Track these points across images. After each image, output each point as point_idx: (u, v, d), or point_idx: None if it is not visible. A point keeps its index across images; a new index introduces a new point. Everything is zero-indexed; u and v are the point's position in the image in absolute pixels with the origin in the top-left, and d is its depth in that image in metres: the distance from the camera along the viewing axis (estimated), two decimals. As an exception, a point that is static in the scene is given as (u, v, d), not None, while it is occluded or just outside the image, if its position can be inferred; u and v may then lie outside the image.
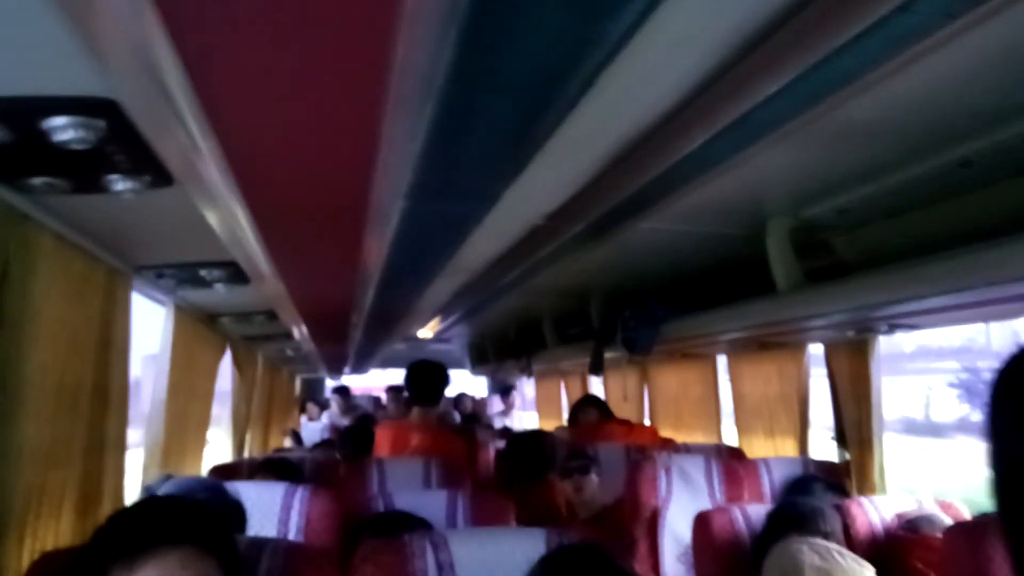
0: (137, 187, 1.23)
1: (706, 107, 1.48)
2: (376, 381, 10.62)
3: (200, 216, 1.45)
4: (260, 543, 1.63)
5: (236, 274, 2.05)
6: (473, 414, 8.15)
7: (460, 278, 2.83)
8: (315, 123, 0.92)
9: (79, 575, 1.25)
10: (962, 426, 16.34)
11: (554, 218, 2.07)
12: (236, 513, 2.15)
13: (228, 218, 1.41)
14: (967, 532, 1.78)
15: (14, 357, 1.37)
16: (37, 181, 1.21)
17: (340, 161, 1.04)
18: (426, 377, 3.77)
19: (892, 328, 2.79)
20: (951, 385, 19.58)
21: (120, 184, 1.21)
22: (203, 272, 2.08)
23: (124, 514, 1.33)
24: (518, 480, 4.45)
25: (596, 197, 2.01)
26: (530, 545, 1.65)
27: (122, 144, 1.04)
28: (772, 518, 2.45)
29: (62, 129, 0.98)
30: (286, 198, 1.27)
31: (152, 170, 1.16)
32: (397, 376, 9.39)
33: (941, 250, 2.03)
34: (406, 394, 4.24)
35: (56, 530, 1.56)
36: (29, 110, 0.95)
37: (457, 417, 7.21)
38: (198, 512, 1.35)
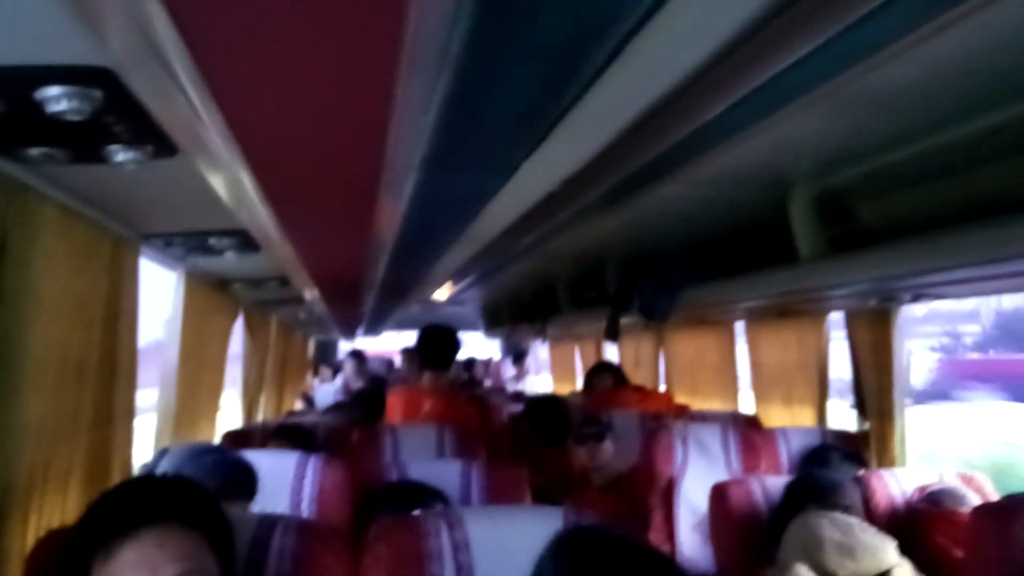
0: (140, 157, 1.19)
1: (731, 72, 1.42)
2: (389, 344, 10.66)
3: (205, 185, 1.41)
4: (271, 520, 1.61)
5: (246, 242, 2.01)
6: (473, 379, 8.14)
7: (475, 246, 2.78)
8: (322, 92, 0.87)
9: (66, 566, 1.23)
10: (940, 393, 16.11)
11: (571, 184, 2.02)
12: (244, 477, 2.11)
13: (235, 188, 1.37)
14: (995, 512, 1.74)
15: (15, 331, 1.34)
16: (35, 152, 1.16)
17: (349, 132, 0.99)
18: (438, 342, 3.74)
19: (916, 298, 2.74)
20: (932, 349, 19.47)
21: (121, 155, 1.17)
22: (212, 240, 2.04)
23: (101, 500, 1.30)
24: (532, 445, 4.45)
25: (616, 162, 1.95)
26: (547, 523, 1.61)
27: (120, 114, 0.99)
28: (790, 490, 2.41)
29: (56, 99, 0.93)
30: (294, 169, 1.22)
31: (154, 140, 1.12)
32: (410, 338, 9.41)
33: (970, 220, 1.97)
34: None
35: (63, 506, 1.54)
36: (22, 80, 0.90)
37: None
38: (175, 488, 1.32)
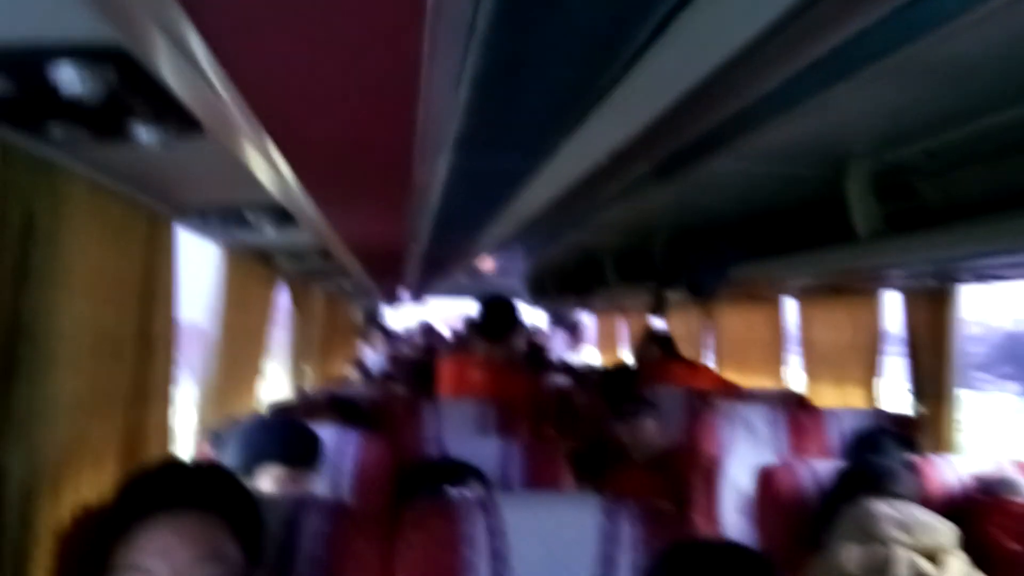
0: (164, 135, 1.16)
1: (786, 45, 1.35)
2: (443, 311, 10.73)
3: (237, 161, 1.38)
4: (305, 502, 1.59)
5: (283, 216, 1.98)
6: (537, 352, 8.10)
7: (515, 221, 2.74)
8: (347, 69, 0.82)
9: (90, 550, 1.25)
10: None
11: (618, 160, 1.96)
12: (311, 447, 2.08)
13: (264, 163, 1.33)
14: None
15: (44, 309, 1.33)
16: (56, 129, 1.14)
17: (377, 107, 0.95)
18: (496, 313, 3.65)
19: (977, 279, 2.65)
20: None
21: (145, 133, 1.14)
22: (248, 215, 2.02)
23: (123, 484, 1.31)
24: (582, 421, 4.41)
25: (665, 137, 1.90)
26: (585, 513, 1.59)
27: (137, 92, 0.96)
28: (845, 478, 2.34)
29: (69, 78, 0.90)
30: (319, 145, 1.18)
31: (176, 117, 1.08)
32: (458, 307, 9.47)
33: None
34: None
35: (98, 483, 1.54)
36: (34, 57, 0.87)
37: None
38: (196, 473, 1.34)
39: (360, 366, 7.00)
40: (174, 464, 1.41)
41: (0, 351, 1.24)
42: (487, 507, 1.59)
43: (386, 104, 0.92)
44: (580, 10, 0.77)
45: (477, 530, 1.55)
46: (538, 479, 2.37)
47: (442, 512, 1.59)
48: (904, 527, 2.02)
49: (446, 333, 9.27)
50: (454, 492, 2.14)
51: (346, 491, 2.30)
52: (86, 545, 1.26)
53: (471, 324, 8.49)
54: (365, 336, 8.80)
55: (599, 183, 2.30)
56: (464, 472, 2.27)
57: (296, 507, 1.58)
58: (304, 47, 0.77)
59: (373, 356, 7.41)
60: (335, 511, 1.58)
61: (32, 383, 1.32)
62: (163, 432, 1.87)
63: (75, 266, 1.41)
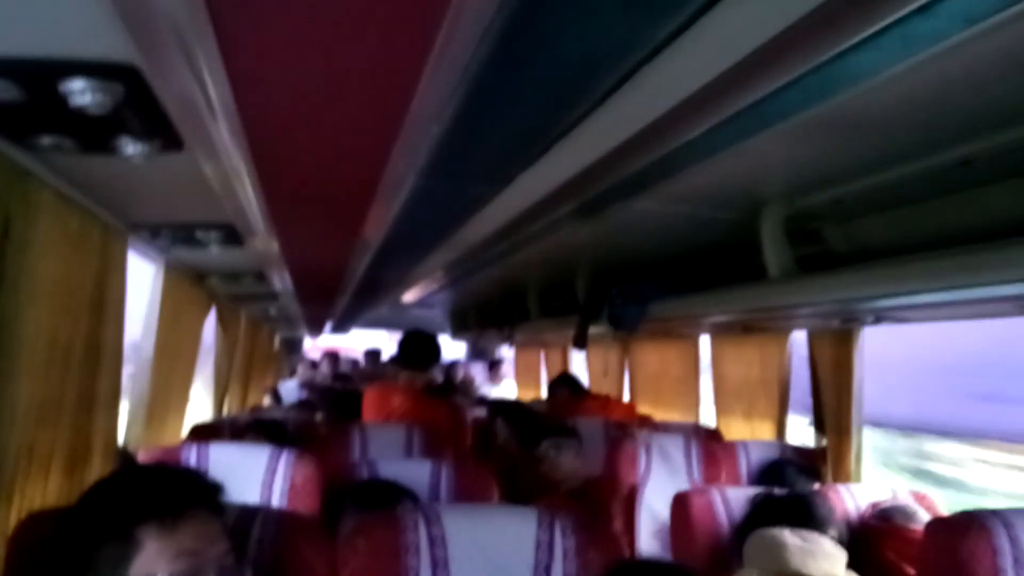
0: (147, 151, 1.21)
1: (712, 100, 1.47)
2: (349, 342, 10.75)
3: (203, 179, 1.43)
4: (251, 512, 1.63)
5: (231, 235, 2.02)
6: (450, 380, 8.20)
7: (455, 252, 2.82)
8: (342, 99, 0.91)
9: (95, 531, 1.26)
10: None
11: (553, 196, 2.06)
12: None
13: (234, 183, 1.40)
14: (949, 527, 1.81)
15: (13, 316, 1.36)
16: (46, 140, 1.18)
17: (359, 139, 1.04)
18: (419, 345, 3.83)
19: (878, 320, 2.82)
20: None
21: (131, 148, 1.20)
22: (199, 233, 2.05)
23: (155, 477, 1.38)
24: (497, 450, 4.52)
25: (595, 178, 2.01)
26: (522, 523, 1.67)
27: (138, 109, 1.03)
28: (756, 506, 2.45)
29: (80, 92, 0.96)
30: (296, 169, 1.26)
31: (164, 134, 1.15)
32: (373, 338, 9.53)
33: (934, 248, 2.04)
34: (385, 358, 4.31)
35: (44, 489, 1.55)
36: (48, 71, 0.93)
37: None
38: (202, 478, 1.41)
39: (274, 394, 6.93)
40: (171, 468, 1.49)
41: (-30, 352, 1.26)
42: (428, 517, 1.66)
43: (369, 135, 1.00)
44: (560, 54, 0.87)
45: (419, 538, 1.62)
46: (468, 500, 2.40)
47: (386, 522, 1.65)
48: (810, 554, 2.15)
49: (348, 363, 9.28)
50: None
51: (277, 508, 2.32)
52: (49, 546, 1.27)
53: (376, 355, 8.60)
54: (286, 363, 8.75)
55: (533, 217, 2.41)
56: (397, 493, 2.32)
57: (242, 515, 1.62)
58: (309, 72, 0.86)
59: (289, 384, 7.34)
60: (281, 519, 1.63)
61: (-2, 386, 1.34)
62: (108, 441, 1.88)
63: (40, 274, 1.44)
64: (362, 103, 0.91)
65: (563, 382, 5.01)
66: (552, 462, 3.45)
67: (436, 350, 3.86)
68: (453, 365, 8.88)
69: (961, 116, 1.67)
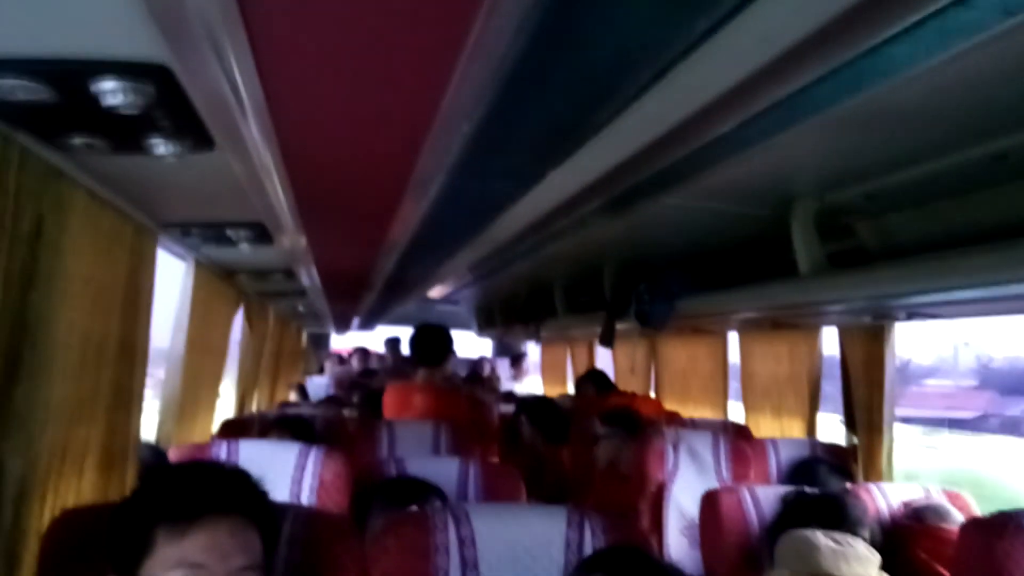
0: (179, 150, 1.22)
1: (744, 95, 1.46)
2: (373, 339, 10.80)
3: (234, 178, 1.44)
4: (281, 509, 1.64)
5: (262, 234, 2.03)
6: (477, 374, 8.23)
7: (483, 249, 2.82)
8: (373, 96, 0.90)
9: (117, 534, 1.24)
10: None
11: (582, 193, 2.05)
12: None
13: (264, 182, 1.40)
14: (985, 528, 1.78)
15: (46, 315, 1.37)
16: (78, 141, 1.19)
17: (389, 137, 1.03)
18: (431, 340, 3.83)
19: (911, 316, 2.79)
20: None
21: (162, 147, 1.20)
22: (229, 231, 2.06)
23: (171, 477, 1.33)
24: (524, 446, 4.52)
25: (626, 174, 1.99)
26: (551, 523, 1.66)
27: (170, 109, 1.03)
28: (789, 505, 2.43)
29: (112, 92, 0.97)
30: (329, 167, 1.26)
31: (196, 134, 1.15)
32: (397, 334, 9.60)
33: (967, 243, 2.01)
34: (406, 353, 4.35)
35: (78, 487, 1.57)
36: (80, 71, 0.93)
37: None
38: (243, 480, 1.34)
39: (301, 390, 6.97)
40: (221, 468, 1.41)
41: (6, 352, 1.27)
42: (458, 517, 1.65)
43: (400, 133, 1.00)
44: (596, 50, 0.86)
45: (449, 538, 1.62)
46: (496, 498, 2.41)
47: (415, 521, 1.65)
48: (843, 556, 2.12)
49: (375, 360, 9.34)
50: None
51: (306, 505, 2.33)
52: (77, 541, 1.27)
53: (396, 343, 8.64)
54: (313, 359, 8.82)
55: (561, 214, 2.40)
56: (425, 490, 2.32)
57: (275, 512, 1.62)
58: (342, 71, 0.85)
59: (318, 380, 7.38)
60: (312, 517, 1.63)
61: (32, 385, 1.35)
62: (137, 439, 1.89)
63: (72, 274, 1.45)
64: (393, 100, 0.91)
65: (590, 378, 4.99)
66: (618, 449, 3.48)
67: (448, 344, 3.86)
68: (480, 361, 8.92)
69: (996, 109, 1.64)
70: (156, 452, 2.51)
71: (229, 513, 1.25)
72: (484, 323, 8.24)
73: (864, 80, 1.43)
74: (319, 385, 6.99)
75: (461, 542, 1.61)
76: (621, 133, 1.38)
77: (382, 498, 2.28)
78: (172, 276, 2.83)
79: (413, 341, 3.86)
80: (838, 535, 2.19)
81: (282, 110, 0.96)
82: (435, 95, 0.84)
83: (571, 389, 7.12)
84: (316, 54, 0.83)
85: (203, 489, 1.27)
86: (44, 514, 1.45)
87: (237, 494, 1.30)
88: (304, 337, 8.99)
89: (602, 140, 1.34)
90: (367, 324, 8.57)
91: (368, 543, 1.63)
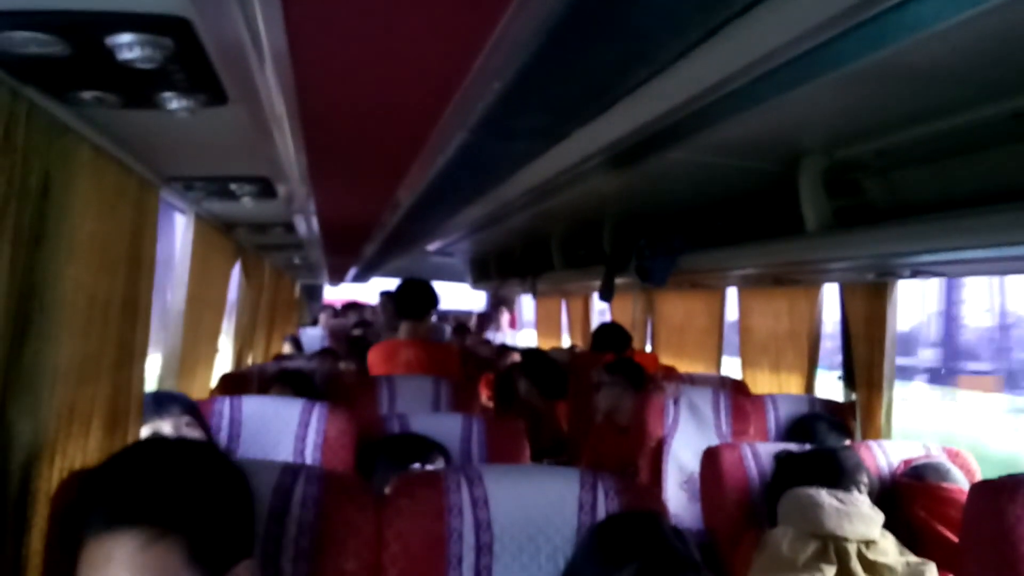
0: (191, 106, 1.18)
1: (750, 44, 1.42)
2: (362, 291, 10.78)
3: (244, 132, 1.39)
4: (295, 469, 1.63)
5: (266, 189, 1.99)
6: (463, 325, 8.25)
7: (491, 206, 2.78)
8: (404, 52, 0.87)
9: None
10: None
11: (596, 151, 2.01)
12: None
13: (275, 135, 1.36)
14: (994, 490, 1.79)
15: (54, 274, 1.33)
16: (87, 95, 1.15)
17: (417, 94, 1.00)
18: (414, 294, 3.87)
19: (915, 274, 2.78)
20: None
21: (175, 102, 1.16)
22: (233, 186, 2.02)
23: (119, 473, 1.17)
24: (519, 401, 4.54)
25: (635, 131, 1.96)
26: (564, 485, 1.66)
27: (186, 63, 0.99)
28: (793, 462, 2.43)
29: (128, 46, 0.93)
30: (345, 122, 1.22)
31: (210, 89, 1.11)
32: (388, 286, 9.59)
33: (978, 202, 1.99)
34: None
35: (85, 447, 1.55)
36: (96, 25, 0.89)
37: (448, 331, 7.24)
38: (171, 481, 1.15)
39: (295, 342, 6.97)
40: (140, 454, 1.24)
41: (15, 312, 1.25)
42: (471, 478, 1.65)
43: (426, 90, 0.96)
44: (637, 9, 0.83)
45: (463, 499, 1.62)
46: (500, 455, 2.42)
47: (429, 482, 1.65)
48: (846, 515, 2.14)
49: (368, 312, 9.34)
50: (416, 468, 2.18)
51: (311, 462, 2.33)
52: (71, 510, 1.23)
53: (390, 296, 8.68)
54: (307, 311, 8.82)
55: (572, 171, 2.36)
56: (428, 447, 2.32)
57: (285, 473, 1.61)
58: (374, 24, 0.81)
59: (312, 331, 7.37)
60: (325, 479, 1.62)
61: (40, 346, 1.32)
62: (140, 398, 1.87)
63: (79, 231, 1.41)
64: (425, 57, 0.87)
65: (608, 333, 4.95)
66: (618, 398, 3.50)
67: (431, 297, 3.89)
68: (468, 314, 8.96)
69: (1015, 68, 1.61)
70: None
71: (135, 525, 1.07)
72: (479, 276, 8.21)
73: (887, 36, 1.40)
74: (313, 337, 6.98)
75: (474, 503, 1.61)
76: (652, 94, 1.35)
77: (386, 455, 2.28)
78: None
79: (397, 295, 3.91)
80: (842, 494, 2.20)
81: (305, 62, 0.93)
82: (472, 51, 0.81)
83: (565, 343, 7.14)
84: (347, 2, 0.79)
85: (99, 496, 1.12)
86: (53, 476, 1.43)
87: (150, 502, 1.10)
88: (297, 288, 8.96)
89: (633, 101, 1.31)
90: (362, 276, 8.55)
91: (382, 505, 1.62)
